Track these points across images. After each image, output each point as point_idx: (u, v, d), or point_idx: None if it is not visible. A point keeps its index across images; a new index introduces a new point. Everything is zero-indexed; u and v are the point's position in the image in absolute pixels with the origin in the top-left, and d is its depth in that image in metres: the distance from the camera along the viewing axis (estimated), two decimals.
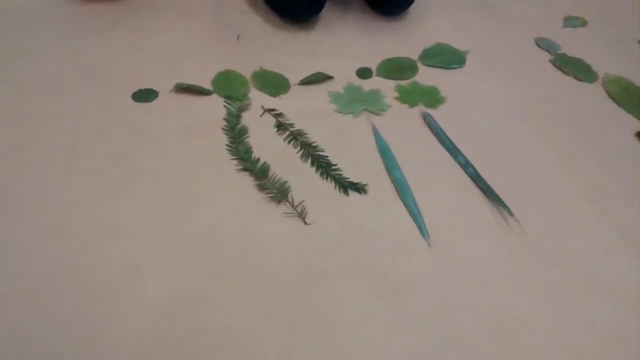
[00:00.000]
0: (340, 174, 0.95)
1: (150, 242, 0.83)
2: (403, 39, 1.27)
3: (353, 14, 1.32)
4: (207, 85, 1.08)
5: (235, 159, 0.96)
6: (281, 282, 0.80)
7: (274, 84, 1.11)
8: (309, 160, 0.97)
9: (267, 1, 1.27)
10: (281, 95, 1.09)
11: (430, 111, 1.10)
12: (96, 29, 1.17)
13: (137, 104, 1.03)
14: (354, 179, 0.95)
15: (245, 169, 0.94)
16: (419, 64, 1.21)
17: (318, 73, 1.14)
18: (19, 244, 0.80)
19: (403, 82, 1.16)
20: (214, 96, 1.06)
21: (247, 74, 1.12)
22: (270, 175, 0.93)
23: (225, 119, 1.02)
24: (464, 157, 1.01)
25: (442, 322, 0.78)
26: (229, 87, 1.08)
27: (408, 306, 0.80)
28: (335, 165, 0.97)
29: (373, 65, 1.19)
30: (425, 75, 1.18)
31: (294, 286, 0.80)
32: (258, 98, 1.08)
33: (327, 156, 0.98)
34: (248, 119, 1.03)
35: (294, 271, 0.82)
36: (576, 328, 0.80)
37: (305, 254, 0.84)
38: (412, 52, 1.23)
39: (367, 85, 1.14)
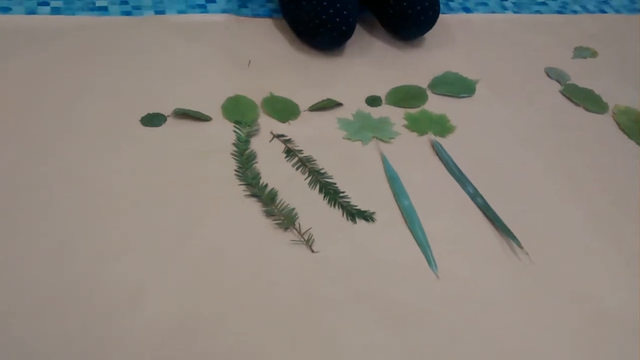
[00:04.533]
0: (348, 202, 0.95)
1: (155, 264, 0.82)
2: (413, 67, 1.28)
3: (361, 42, 1.33)
4: (217, 110, 1.08)
5: (243, 184, 0.95)
6: (285, 309, 0.79)
7: (284, 109, 1.11)
8: (317, 187, 0.97)
9: (292, 27, 1.28)
10: (290, 121, 1.09)
11: (440, 140, 1.10)
12: (104, 50, 1.18)
13: (146, 128, 1.03)
14: (361, 206, 0.94)
15: (253, 195, 0.94)
16: (429, 93, 1.21)
17: (328, 100, 1.14)
18: (21, 261, 0.80)
19: (412, 110, 1.16)
20: (223, 121, 1.06)
21: (257, 99, 1.12)
22: (277, 201, 0.93)
23: (234, 144, 1.02)
24: (472, 186, 1.01)
25: (448, 355, 0.77)
26: (239, 112, 1.08)
27: (414, 337, 0.79)
28: (343, 192, 0.96)
29: (382, 93, 1.19)
30: (435, 104, 1.18)
31: (298, 314, 0.79)
32: (267, 123, 1.08)
33: (335, 183, 0.98)
34: (257, 144, 1.03)
35: (299, 298, 0.81)
36: None
37: (311, 281, 0.83)
38: (422, 81, 1.24)
39: (376, 112, 1.14)
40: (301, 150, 1.03)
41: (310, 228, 0.90)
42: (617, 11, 1.63)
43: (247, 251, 0.86)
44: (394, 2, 1.27)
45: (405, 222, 0.93)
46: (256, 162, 1.00)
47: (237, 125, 1.06)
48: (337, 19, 1.18)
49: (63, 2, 1.28)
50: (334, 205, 0.95)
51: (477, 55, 1.35)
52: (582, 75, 1.33)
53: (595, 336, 0.82)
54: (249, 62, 1.20)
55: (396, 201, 0.97)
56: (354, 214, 0.93)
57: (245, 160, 0.99)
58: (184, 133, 1.03)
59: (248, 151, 1.01)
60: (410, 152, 1.07)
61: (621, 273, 0.91)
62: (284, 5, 1.28)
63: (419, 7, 1.26)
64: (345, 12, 1.19)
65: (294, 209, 0.92)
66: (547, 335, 0.81)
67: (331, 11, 1.18)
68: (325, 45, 1.25)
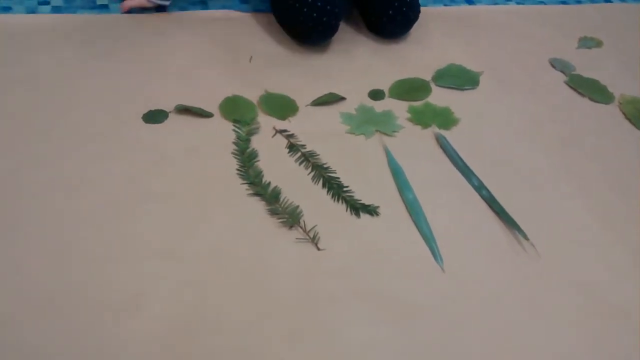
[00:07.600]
0: (352, 196, 0.94)
1: (157, 265, 0.81)
2: (416, 60, 1.26)
3: (365, 36, 1.32)
4: (215, 109, 1.07)
5: (245, 183, 0.94)
6: (289, 306, 0.79)
7: (282, 107, 1.10)
8: (320, 182, 0.96)
9: (281, 24, 1.26)
10: (290, 118, 1.08)
11: (444, 132, 1.09)
12: (107, 50, 1.17)
13: (148, 125, 1.02)
14: (365, 201, 0.94)
15: (256, 194, 0.93)
16: (432, 85, 1.20)
17: (330, 94, 1.13)
18: (24, 264, 0.79)
19: (416, 103, 1.15)
20: (223, 118, 1.06)
21: (256, 97, 1.11)
22: (281, 199, 0.92)
23: (234, 143, 1.01)
24: (477, 179, 1.00)
25: (453, 349, 0.76)
26: (237, 111, 1.07)
27: (419, 331, 0.78)
28: (346, 187, 0.96)
29: (385, 86, 1.18)
30: (439, 97, 1.17)
31: (302, 310, 0.79)
32: (268, 120, 1.07)
33: (338, 178, 0.97)
34: (258, 141, 1.02)
35: (303, 294, 0.80)
36: (590, 354, 0.78)
37: (315, 277, 0.83)
38: (425, 73, 1.22)
39: (379, 106, 1.13)
40: (304, 145, 1.02)
41: (316, 225, 0.89)
42: (622, 0, 1.62)
43: (252, 252, 0.85)
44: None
45: (410, 215, 0.93)
46: (258, 160, 0.99)
47: (236, 125, 1.05)
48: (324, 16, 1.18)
49: (64, 1, 1.27)
50: (338, 200, 0.94)
51: (480, 47, 1.34)
52: (587, 65, 1.31)
53: (601, 329, 0.81)
54: (251, 58, 1.19)
55: (400, 195, 0.96)
56: (358, 208, 0.93)
57: (246, 159, 0.98)
58: (186, 131, 1.02)
59: (249, 150, 1.00)
60: (414, 145, 1.06)
61: (626, 265, 0.90)
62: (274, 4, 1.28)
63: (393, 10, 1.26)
64: (329, 7, 1.18)
65: (298, 206, 0.91)
66: (551, 329, 0.80)
67: (319, 4, 1.17)
68: (312, 39, 1.23)
